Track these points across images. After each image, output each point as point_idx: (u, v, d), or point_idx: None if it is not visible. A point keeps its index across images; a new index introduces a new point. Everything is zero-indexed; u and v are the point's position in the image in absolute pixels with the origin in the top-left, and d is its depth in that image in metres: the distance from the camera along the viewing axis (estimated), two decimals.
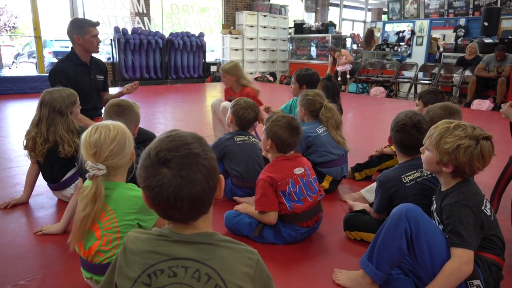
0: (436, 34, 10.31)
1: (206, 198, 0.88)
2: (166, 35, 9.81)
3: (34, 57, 10.66)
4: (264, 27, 11.41)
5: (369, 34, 10.54)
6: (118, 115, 1.94)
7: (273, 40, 11.76)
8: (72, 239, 1.38)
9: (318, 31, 11.48)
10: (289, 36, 12.15)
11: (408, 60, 9.79)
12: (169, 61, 9.86)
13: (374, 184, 2.48)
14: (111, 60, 9.24)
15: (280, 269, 1.78)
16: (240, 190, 2.49)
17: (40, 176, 2.42)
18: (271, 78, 11.20)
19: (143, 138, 2.57)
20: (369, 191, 2.51)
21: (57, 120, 2.19)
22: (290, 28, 12.26)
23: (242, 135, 2.54)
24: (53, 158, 2.24)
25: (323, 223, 2.14)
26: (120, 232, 1.37)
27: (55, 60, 12.56)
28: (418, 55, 10.22)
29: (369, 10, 16.03)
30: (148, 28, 9.71)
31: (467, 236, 1.37)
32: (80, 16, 8.86)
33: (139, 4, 9.53)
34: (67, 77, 2.95)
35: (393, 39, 11.09)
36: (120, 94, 3.32)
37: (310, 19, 14.88)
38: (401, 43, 10.59)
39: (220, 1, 11.34)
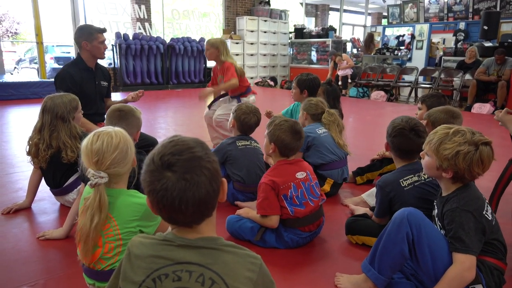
0: (436, 38, 10.33)
1: (210, 200, 0.89)
2: (167, 40, 9.85)
3: (35, 63, 10.71)
4: (265, 32, 11.45)
5: (369, 38, 10.57)
6: (119, 120, 1.95)
7: (274, 45, 11.80)
8: (83, 253, 1.36)
9: (318, 35, 11.51)
10: (289, 41, 12.18)
11: (408, 64, 9.81)
12: (170, 66, 9.90)
13: (375, 188, 2.49)
14: (112, 65, 9.28)
15: (282, 273, 1.78)
16: (241, 195, 2.50)
17: (43, 181, 2.43)
18: (271, 83, 11.23)
19: (144, 143, 2.58)
20: (370, 195, 2.51)
21: (59, 126, 2.20)
22: (290, 33, 12.30)
23: (244, 139, 2.55)
24: (56, 164, 2.25)
25: (325, 227, 2.14)
26: (122, 239, 1.36)
27: (57, 66, 12.74)
28: (418, 59, 10.24)
29: (369, 14, 16.08)
30: (149, 33, 9.75)
31: (468, 241, 1.37)
32: (82, 21, 8.91)
33: (140, 10, 9.58)
34: (73, 82, 2.96)
35: (393, 43, 11.11)
36: (124, 101, 3.34)
37: (310, 24, 14.96)
38: (401, 47, 10.62)
39: (220, 6, 11.39)
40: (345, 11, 14.65)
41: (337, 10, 14.66)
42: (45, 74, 8.70)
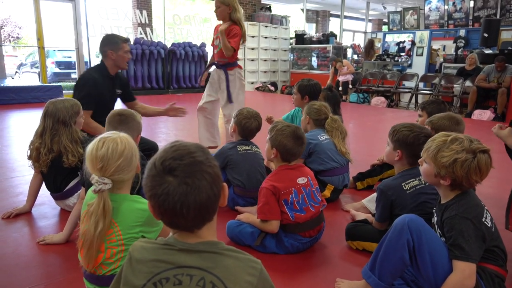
0: (436, 44, 10.37)
1: (211, 205, 0.90)
2: (168, 45, 9.88)
3: (37, 67, 10.75)
4: (266, 37, 11.49)
5: (369, 44, 10.62)
6: (120, 124, 1.95)
7: (274, 50, 11.84)
8: (86, 259, 1.35)
9: (319, 41, 11.56)
10: (290, 47, 12.23)
11: (408, 71, 9.84)
12: (171, 71, 9.93)
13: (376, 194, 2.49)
14: None
15: (282, 279, 1.78)
16: (242, 200, 2.50)
17: (43, 185, 2.43)
18: (272, 88, 11.25)
19: (145, 146, 2.59)
20: (371, 201, 2.51)
21: (61, 131, 2.20)
22: (291, 38, 12.35)
23: (245, 144, 2.55)
24: (57, 168, 2.26)
25: (325, 233, 2.14)
26: (124, 244, 1.36)
27: (58, 70, 12.77)
28: (419, 65, 10.27)
29: (370, 21, 16.16)
30: (150, 38, 9.79)
31: (468, 249, 1.37)
32: (83, 26, 8.96)
33: (142, 15, 9.63)
34: (94, 87, 2.97)
35: (393, 49, 11.15)
36: (159, 113, 3.48)
37: (311, 30, 15.01)
38: (401, 54, 10.65)
39: None
40: (346, 17, 14.72)
41: (337, 16, 14.73)
42: (46, 79, 8.72)
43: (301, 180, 1.99)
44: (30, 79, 12.56)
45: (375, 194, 2.50)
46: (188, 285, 0.86)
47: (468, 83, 7.51)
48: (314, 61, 11.53)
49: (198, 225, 0.91)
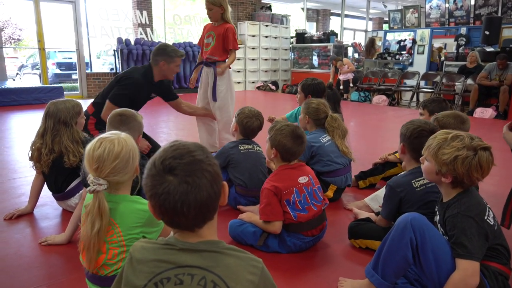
0: (437, 43, 10.35)
1: (212, 203, 0.90)
2: None
3: (37, 69, 10.75)
4: (266, 36, 11.49)
5: (370, 43, 10.59)
6: (121, 124, 1.95)
7: (275, 49, 11.83)
8: (87, 260, 1.35)
9: (319, 40, 11.55)
10: (291, 46, 12.22)
11: (409, 69, 9.82)
12: None
13: (378, 192, 2.49)
14: (114, 70, 9.30)
15: (284, 278, 1.77)
16: (244, 199, 2.49)
17: (45, 186, 2.43)
18: (273, 87, 11.25)
19: (153, 150, 2.59)
20: (373, 200, 2.50)
21: (62, 131, 2.21)
22: (291, 37, 12.34)
23: (247, 143, 2.55)
24: (58, 168, 2.26)
25: (328, 231, 2.13)
26: (125, 245, 1.36)
27: (59, 71, 12.77)
28: (420, 63, 10.24)
29: (370, 19, 16.14)
30: (151, 38, 9.79)
31: (471, 247, 1.36)
32: (84, 27, 8.97)
33: (142, 15, 9.63)
34: (137, 91, 2.99)
35: (394, 48, 11.14)
36: (204, 114, 3.61)
37: (311, 29, 14.99)
38: (402, 52, 10.63)
39: None
40: (346, 16, 14.71)
41: (338, 15, 14.71)
42: (47, 80, 8.74)
43: (302, 179, 1.98)
44: (31, 80, 12.57)
45: (377, 193, 2.50)
46: (190, 284, 0.86)
47: (469, 81, 7.49)
48: (315, 60, 11.52)
49: (199, 224, 0.91)
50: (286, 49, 12.16)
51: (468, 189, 1.48)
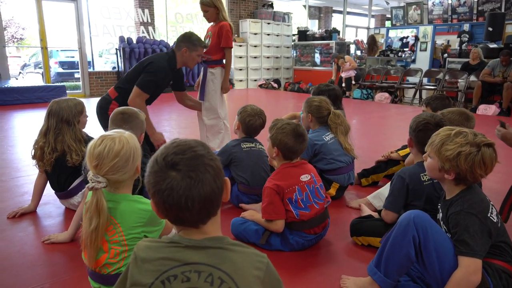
0: (440, 39, 10.30)
1: (215, 198, 0.90)
2: (171, 43, 9.87)
3: (40, 68, 10.77)
4: (268, 34, 11.47)
5: (372, 40, 10.55)
6: (123, 122, 1.94)
7: (277, 47, 11.81)
8: (88, 258, 1.36)
9: (321, 37, 11.52)
10: (293, 43, 12.19)
11: (412, 66, 9.78)
12: None
13: (381, 190, 2.48)
14: (116, 69, 9.31)
15: (287, 276, 1.77)
16: (246, 197, 2.49)
17: (48, 185, 2.43)
18: (275, 85, 11.24)
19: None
20: (376, 197, 2.50)
21: (64, 130, 2.22)
22: (293, 35, 12.31)
23: (249, 142, 2.54)
24: (61, 167, 2.26)
25: (330, 229, 2.13)
26: (127, 245, 1.36)
27: (61, 70, 12.79)
28: (422, 60, 10.20)
29: (373, 16, 16.06)
30: (153, 37, 9.79)
31: (473, 244, 1.36)
32: (86, 26, 8.98)
33: (144, 14, 9.63)
34: (164, 78, 3.05)
35: (397, 45, 11.08)
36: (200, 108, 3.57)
37: (313, 26, 14.95)
38: (405, 49, 10.59)
39: None
40: (349, 13, 14.66)
41: (340, 12, 14.67)
42: (50, 79, 8.76)
43: (305, 178, 1.98)
44: (34, 79, 12.61)
45: (379, 191, 2.50)
46: (197, 281, 0.86)
47: (472, 77, 7.45)
48: (317, 57, 11.49)
49: (203, 220, 0.91)
50: (288, 47, 12.13)
51: (471, 186, 1.48)
